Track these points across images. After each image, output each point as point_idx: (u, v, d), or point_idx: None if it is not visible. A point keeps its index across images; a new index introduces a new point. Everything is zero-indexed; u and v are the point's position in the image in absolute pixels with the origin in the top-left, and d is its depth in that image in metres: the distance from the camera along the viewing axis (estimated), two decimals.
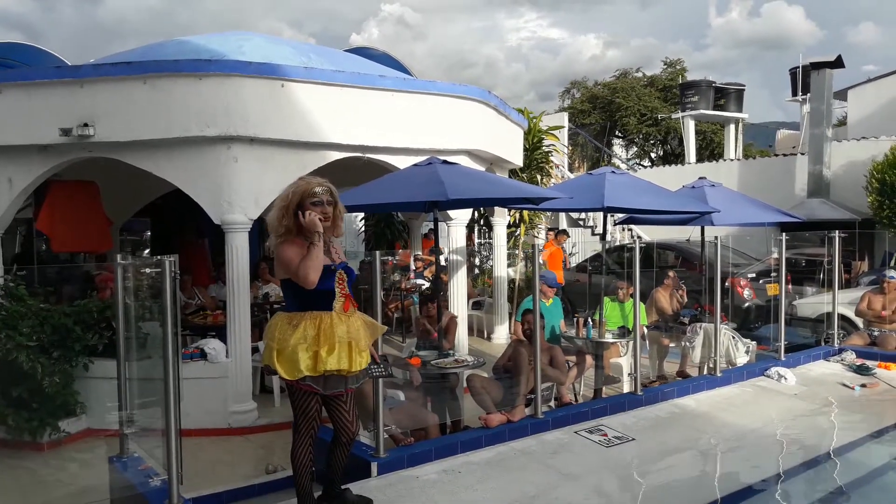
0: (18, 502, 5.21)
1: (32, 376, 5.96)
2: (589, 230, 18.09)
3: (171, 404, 3.57)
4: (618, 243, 15.95)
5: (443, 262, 8.61)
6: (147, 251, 13.36)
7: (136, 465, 4.22)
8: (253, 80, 6.67)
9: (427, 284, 11.35)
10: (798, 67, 21.78)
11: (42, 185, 7.56)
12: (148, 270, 4.64)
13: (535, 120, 12.97)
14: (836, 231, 7.99)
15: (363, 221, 16.39)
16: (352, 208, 6.23)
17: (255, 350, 7.01)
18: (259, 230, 9.34)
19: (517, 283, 11.89)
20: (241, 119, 6.59)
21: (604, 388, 7.06)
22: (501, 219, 10.78)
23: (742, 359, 7.20)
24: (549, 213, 16.78)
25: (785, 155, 18.76)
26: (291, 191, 3.42)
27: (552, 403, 6.12)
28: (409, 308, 11.26)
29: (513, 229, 12.45)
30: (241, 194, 6.71)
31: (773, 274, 8.99)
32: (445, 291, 8.37)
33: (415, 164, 6.54)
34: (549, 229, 16.64)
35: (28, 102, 6.84)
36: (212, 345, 6.86)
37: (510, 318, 10.70)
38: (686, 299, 8.62)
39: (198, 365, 6.69)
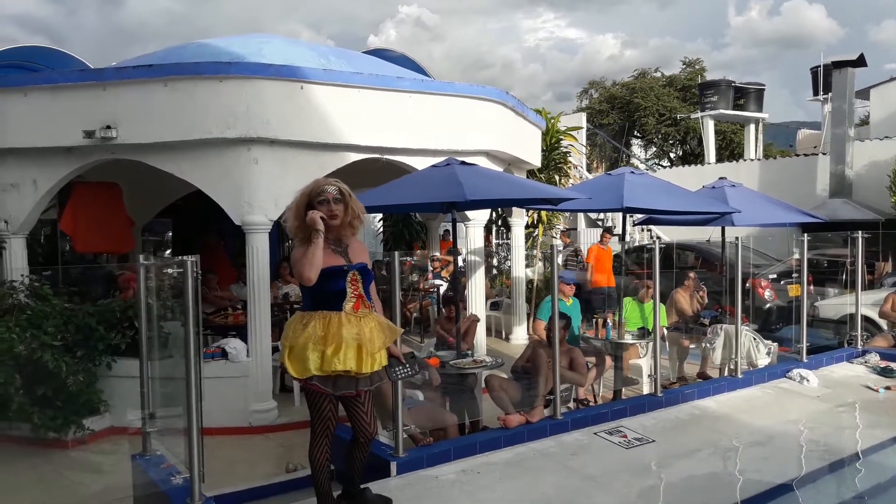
0: (43, 499, 5.28)
1: (57, 375, 6.03)
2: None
3: (192, 403, 3.61)
4: (637, 244, 15.87)
5: (461, 263, 8.62)
6: (168, 251, 13.48)
7: (159, 463, 4.26)
8: (273, 83, 6.71)
9: (445, 285, 11.37)
10: (819, 66, 21.54)
11: (65, 186, 7.67)
12: (170, 270, 4.69)
13: (552, 120, 12.95)
14: (859, 232, 7.90)
15: (381, 222, 16.46)
16: (370, 209, 6.24)
17: (275, 349, 7.05)
18: (279, 231, 9.37)
19: (535, 284, 11.88)
20: (261, 121, 6.64)
21: (623, 390, 7.03)
22: (519, 219, 10.76)
23: (763, 360, 7.13)
24: (567, 214, 16.74)
25: (806, 155, 18.57)
26: (301, 192, 3.48)
27: (571, 404, 6.11)
28: (428, 308, 11.29)
29: (531, 230, 12.42)
30: (261, 195, 6.76)
31: (794, 275, 8.92)
32: (463, 292, 8.37)
33: (433, 165, 6.55)
34: (567, 230, 16.60)
35: (52, 105, 6.94)
36: (232, 344, 6.92)
37: (528, 319, 10.69)
38: (707, 300, 8.56)
39: (219, 364, 6.75)
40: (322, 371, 3.36)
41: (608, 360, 6.92)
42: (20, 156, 7.21)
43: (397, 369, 3.69)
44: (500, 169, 8.51)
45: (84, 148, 6.93)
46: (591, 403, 6.66)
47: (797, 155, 20.13)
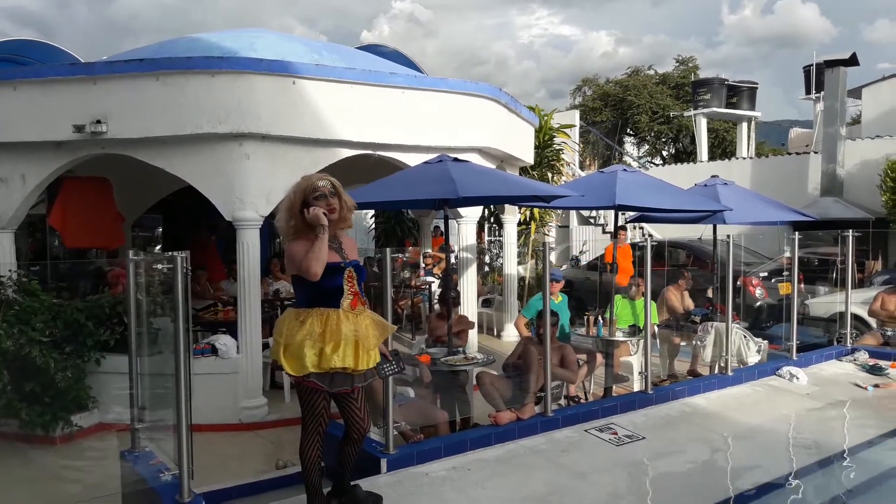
0: (31, 496, 5.25)
1: (45, 371, 6.00)
2: (600, 228, 18.05)
3: (182, 399, 3.59)
4: (629, 241, 15.89)
5: (453, 260, 8.60)
6: (158, 247, 13.43)
7: (148, 459, 4.24)
8: (265, 78, 6.68)
9: (436, 281, 11.36)
10: (812, 65, 21.61)
11: (55, 181, 7.61)
12: (160, 266, 4.66)
13: (546, 117, 12.97)
14: (850, 230, 7.93)
15: (373, 219, 16.42)
16: (362, 206, 6.24)
17: (265, 346, 7.04)
18: (270, 227, 9.32)
19: (527, 281, 11.88)
20: (252, 116, 6.60)
21: (614, 387, 7.04)
22: (512, 216, 10.76)
23: (753, 358, 7.15)
24: (559, 211, 16.76)
25: (798, 153, 18.62)
26: (294, 190, 3.44)
27: (562, 401, 6.11)
28: (419, 305, 11.28)
29: (523, 227, 12.43)
30: (252, 191, 6.73)
31: (785, 273, 8.93)
32: (455, 287, 8.36)
33: (425, 162, 6.54)
34: (560, 227, 16.61)
35: (42, 99, 6.89)
36: (222, 340, 6.88)
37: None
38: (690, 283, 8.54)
39: (208, 361, 6.73)
40: (320, 368, 3.35)
41: (599, 358, 6.93)
42: (9, 150, 7.15)
43: (385, 367, 3.70)
44: (492, 166, 8.50)
45: (74, 142, 6.88)
46: (581, 400, 6.66)
47: (789, 153, 20.19)
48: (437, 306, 6.89)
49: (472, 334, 8.13)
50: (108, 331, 6.56)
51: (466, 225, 8.69)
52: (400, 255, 13.01)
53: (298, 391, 3.50)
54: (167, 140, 6.72)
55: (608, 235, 16.64)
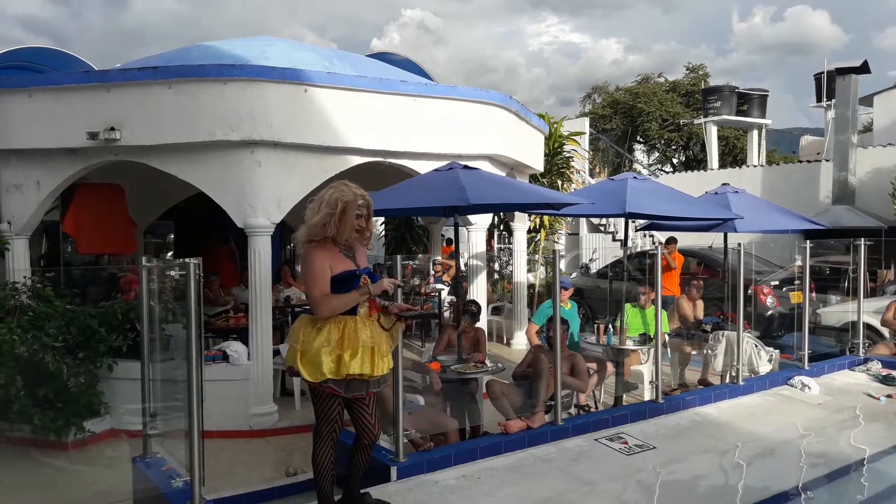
0: (43, 501, 5.28)
1: (58, 376, 6.03)
2: (610, 236, 18.01)
3: (193, 406, 3.61)
4: (639, 249, 15.86)
5: (463, 267, 8.61)
6: (170, 254, 13.50)
7: (159, 465, 4.26)
8: (277, 85, 6.72)
9: (446, 289, 11.36)
10: (823, 73, 21.52)
11: (69, 187, 7.67)
12: (172, 273, 4.70)
13: (556, 125, 12.97)
14: (862, 239, 7.88)
15: (384, 226, 16.45)
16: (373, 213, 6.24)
17: (276, 353, 7.06)
18: (281, 234, 9.32)
19: (537, 289, 11.87)
20: (264, 124, 6.64)
21: (624, 396, 7.02)
22: (522, 224, 10.76)
23: (765, 367, 7.12)
24: (569, 219, 16.75)
25: (809, 161, 18.54)
26: (339, 199, 3.43)
27: (572, 410, 6.10)
28: (428, 311, 11.26)
29: (533, 234, 12.42)
30: (263, 198, 6.76)
31: (796, 282, 8.90)
32: (466, 295, 8.36)
33: (436, 169, 6.56)
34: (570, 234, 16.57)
35: (56, 106, 6.96)
36: (233, 347, 6.91)
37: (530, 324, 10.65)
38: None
39: (219, 367, 6.75)
40: (338, 375, 3.39)
41: (609, 367, 6.91)
42: (24, 157, 7.22)
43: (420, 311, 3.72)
44: (502, 173, 8.51)
45: (88, 149, 6.94)
46: (592, 409, 6.65)
47: (800, 161, 20.10)
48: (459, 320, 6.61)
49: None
50: (120, 337, 6.58)
51: (476, 232, 8.69)
52: (410, 263, 13.03)
53: (313, 397, 3.53)
54: (180, 147, 6.77)
55: (618, 243, 16.62)
